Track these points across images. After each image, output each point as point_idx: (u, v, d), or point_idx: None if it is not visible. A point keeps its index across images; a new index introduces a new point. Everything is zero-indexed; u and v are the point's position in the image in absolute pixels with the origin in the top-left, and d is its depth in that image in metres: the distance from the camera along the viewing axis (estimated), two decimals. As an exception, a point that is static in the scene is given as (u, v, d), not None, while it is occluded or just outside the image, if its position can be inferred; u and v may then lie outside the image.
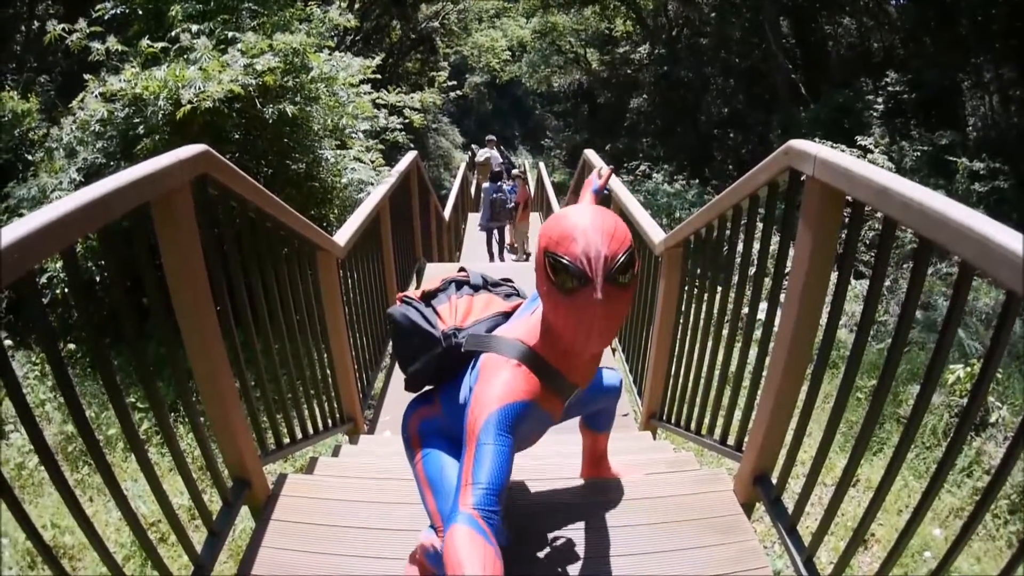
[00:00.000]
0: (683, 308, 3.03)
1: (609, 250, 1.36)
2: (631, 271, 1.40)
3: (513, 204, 9.75)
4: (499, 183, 9.91)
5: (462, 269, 2.05)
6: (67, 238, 1.32)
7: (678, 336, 3.08)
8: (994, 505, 3.76)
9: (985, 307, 7.14)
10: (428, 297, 1.93)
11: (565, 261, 1.36)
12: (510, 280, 2.08)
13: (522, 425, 1.48)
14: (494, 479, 1.34)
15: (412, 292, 1.95)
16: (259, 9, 5.89)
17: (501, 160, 12.64)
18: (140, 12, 5.88)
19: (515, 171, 11.30)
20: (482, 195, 10.22)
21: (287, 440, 2.66)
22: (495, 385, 1.49)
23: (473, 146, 18.84)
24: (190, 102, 4.69)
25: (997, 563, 3.45)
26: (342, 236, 3.39)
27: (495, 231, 10.13)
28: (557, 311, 1.43)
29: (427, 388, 1.92)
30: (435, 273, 6.66)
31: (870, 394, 3.90)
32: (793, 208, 2.03)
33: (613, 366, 2.15)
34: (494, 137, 13.58)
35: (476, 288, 1.96)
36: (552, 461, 2.69)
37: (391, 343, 2.00)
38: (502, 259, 10.16)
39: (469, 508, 1.30)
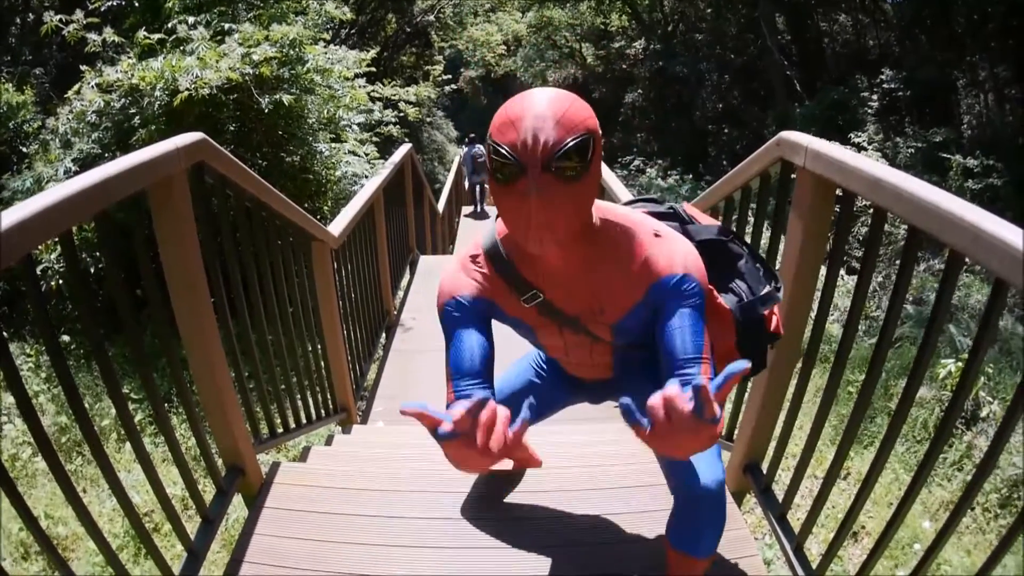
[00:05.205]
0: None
1: (553, 135, 1.17)
2: (581, 162, 1.19)
3: None
4: (477, 145, 12.35)
5: None
6: (65, 222, 1.33)
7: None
8: (984, 499, 3.80)
9: (977, 303, 7.16)
10: None
11: (502, 149, 1.19)
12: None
13: (476, 319, 1.44)
14: (459, 369, 1.38)
15: None
16: (255, 1, 5.89)
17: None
18: (136, 4, 5.87)
19: None
20: (461, 161, 13.01)
21: (281, 429, 2.68)
22: (444, 276, 1.49)
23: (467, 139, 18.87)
24: (187, 89, 4.69)
25: (987, 556, 3.48)
26: (336, 226, 3.39)
27: (477, 185, 12.35)
28: (498, 202, 1.27)
29: None
30: (430, 266, 6.74)
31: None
32: (784, 201, 2.05)
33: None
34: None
35: None
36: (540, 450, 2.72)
37: None
38: (483, 208, 12.32)
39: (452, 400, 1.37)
